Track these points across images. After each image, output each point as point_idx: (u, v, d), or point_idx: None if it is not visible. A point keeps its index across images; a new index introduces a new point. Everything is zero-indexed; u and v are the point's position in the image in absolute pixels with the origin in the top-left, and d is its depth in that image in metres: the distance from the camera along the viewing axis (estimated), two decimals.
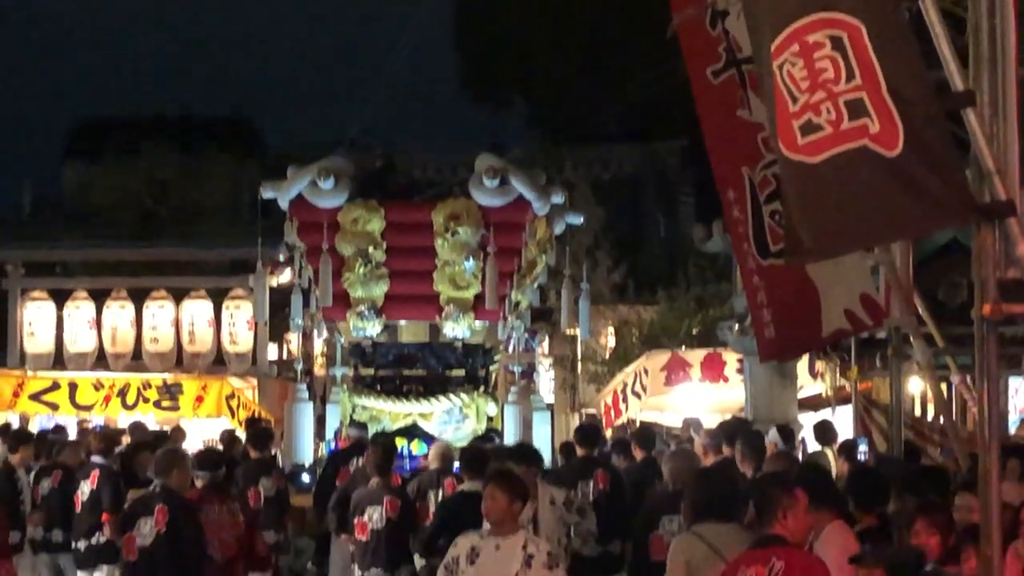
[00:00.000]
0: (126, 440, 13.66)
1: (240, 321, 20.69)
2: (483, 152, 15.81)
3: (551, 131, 35.63)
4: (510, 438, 14.30)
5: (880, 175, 4.87)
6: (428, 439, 13.93)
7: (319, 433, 16.05)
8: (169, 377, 19.90)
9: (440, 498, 10.26)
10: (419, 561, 9.71)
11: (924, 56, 4.94)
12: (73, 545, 11.38)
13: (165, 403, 19.51)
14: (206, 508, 9.16)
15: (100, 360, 20.86)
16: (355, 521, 9.74)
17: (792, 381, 17.11)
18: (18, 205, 38.26)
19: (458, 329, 15.29)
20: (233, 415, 19.12)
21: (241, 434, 15.20)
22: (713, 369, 19.13)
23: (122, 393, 19.55)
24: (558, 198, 15.61)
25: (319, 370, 23.46)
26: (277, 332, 23.27)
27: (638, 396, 19.60)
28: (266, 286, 17.26)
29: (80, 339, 20.83)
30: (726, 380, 18.97)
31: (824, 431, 13.38)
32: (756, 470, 8.58)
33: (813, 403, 18.21)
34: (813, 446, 13.89)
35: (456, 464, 10.46)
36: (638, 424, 17.64)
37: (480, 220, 15.01)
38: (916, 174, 4.81)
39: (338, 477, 12.26)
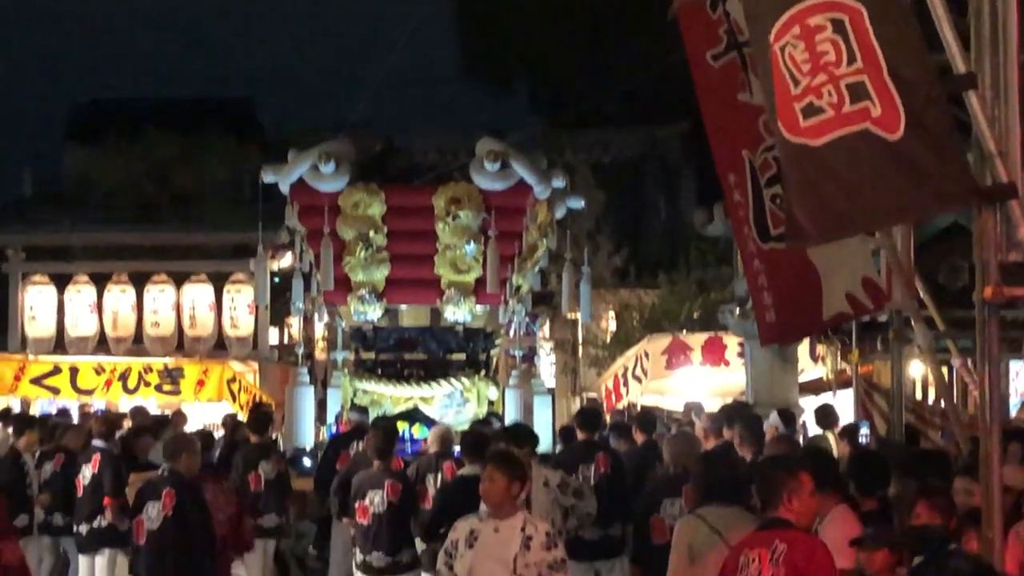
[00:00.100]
0: (127, 424, 13.67)
1: (241, 305, 20.71)
2: (484, 136, 15.79)
3: (552, 115, 35.61)
4: (511, 422, 14.30)
5: (881, 158, 4.87)
6: (429, 423, 13.92)
7: (320, 417, 16.06)
8: (170, 361, 19.93)
9: (439, 482, 10.26)
10: (420, 545, 9.72)
11: (926, 39, 4.94)
12: (75, 529, 11.41)
13: (166, 387, 19.55)
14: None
15: (101, 344, 20.88)
16: (356, 505, 9.75)
17: (793, 365, 17.13)
18: (18, 189, 38.21)
19: (459, 313, 15.29)
20: (234, 399, 19.14)
21: (244, 418, 15.20)
22: (714, 353, 19.16)
23: (123, 377, 19.58)
24: (559, 182, 15.59)
25: (320, 354, 23.49)
26: (278, 316, 23.29)
27: (639, 380, 19.64)
28: (267, 270, 17.27)
29: (81, 323, 20.84)
30: (727, 364, 19.00)
31: (825, 415, 13.39)
32: (755, 454, 8.58)
33: (814, 387, 18.24)
34: (814, 430, 13.91)
35: (456, 448, 10.47)
36: (639, 408, 17.64)
37: (481, 204, 15.00)
38: (917, 157, 4.81)
39: (338, 461, 12.27)
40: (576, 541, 9.72)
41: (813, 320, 8.15)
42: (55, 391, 19.61)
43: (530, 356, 23.37)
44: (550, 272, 18.87)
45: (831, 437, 12.56)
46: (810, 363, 18.19)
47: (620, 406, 18.85)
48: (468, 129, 26.12)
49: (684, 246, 27.62)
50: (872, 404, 15.41)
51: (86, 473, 11.25)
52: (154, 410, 17.42)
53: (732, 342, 18.70)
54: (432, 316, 15.62)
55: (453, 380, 15.30)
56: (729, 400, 15.69)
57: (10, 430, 12.75)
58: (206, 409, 19.26)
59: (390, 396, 15.30)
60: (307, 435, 15.70)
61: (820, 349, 17.98)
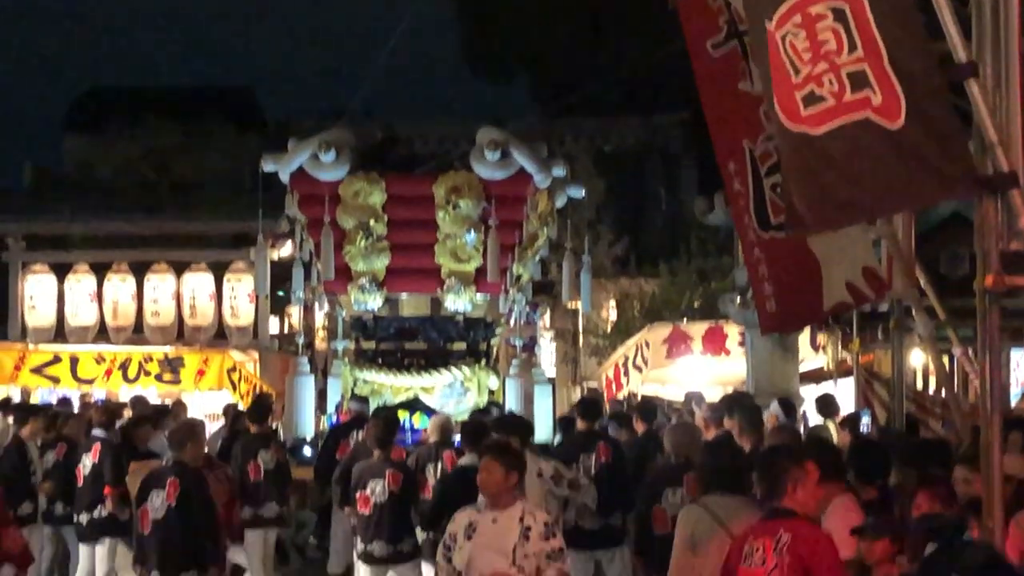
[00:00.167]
0: (128, 414, 13.67)
1: (241, 294, 20.69)
2: (484, 125, 15.77)
3: (552, 104, 35.56)
4: (506, 412, 14.30)
5: (882, 147, 4.86)
6: (429, 412, 13.92)
7: (320, 406, 16.06)
8: (170, 350, 19.91)
9: (439, 471, 10.26)
10: (421, 534, 9.73)
11: (927, 27, 4.93)
12: (75, 518, 11.40)
13: (166, 376, 19.53)
14: None
15: (101, 333, 20.86)
16: (357, 494, 9.75)
17: (794, 354, 17.12)
18: (18, 178, 38.18)
19: (459, 302, 15.29)
20: (234, 388, 19.13)
21: (244, 408, 15.20)
22: (714, 342, 19.13)
23: (123, 366, 19.56)
24: (559, 171, 15.58)
25: (320, 343, 23.48)
26: (278, 305, 23.26)
27: (639, 369, 19.61)
28: (267, 259, 17.24)
29: (81, 312, 20.83)
30: (727, 353, 18.98)
31: (826, 404, 13.38)
32: (754, 444, 8.57)
33: (815, 376, 18.21)
34: (815, 419, 13.89)
35: (457, 437, 10.47)
36: (639, 397, 17.63)
37: (481, 193, 15.00)
38: (918, 146, 4.80)
39: (338, 450, 12.28)
40: (576, 531, 9.74)
41: (814, 309, 8.15)
42: (55, 380, 19.59)
43: (530, 345, 23.39)
44: (550, 261, 18.86)
45: (832, 426, 12.54)
46: (811, 352, 18.16)
47: (620, 395, 18.84)
48: (468, 118, 26.10)
49: (684, 235, 27.61)
50: (873, 393, 15.38)
51: (86, 463, 11.25)
52: (154, 400, 17.40)
53: (733, 331, 18.67)
54: (432, 305, 15.62)
55: (453, 369, 15.30)
56: (730, 389, 15.69)
57: (11, 419, 12.77)
58: (206, 398, 19.24)
59: (390, 385, 15.30)
60: (307, 424, 15.70)
61: (821, 338, 17.95)
